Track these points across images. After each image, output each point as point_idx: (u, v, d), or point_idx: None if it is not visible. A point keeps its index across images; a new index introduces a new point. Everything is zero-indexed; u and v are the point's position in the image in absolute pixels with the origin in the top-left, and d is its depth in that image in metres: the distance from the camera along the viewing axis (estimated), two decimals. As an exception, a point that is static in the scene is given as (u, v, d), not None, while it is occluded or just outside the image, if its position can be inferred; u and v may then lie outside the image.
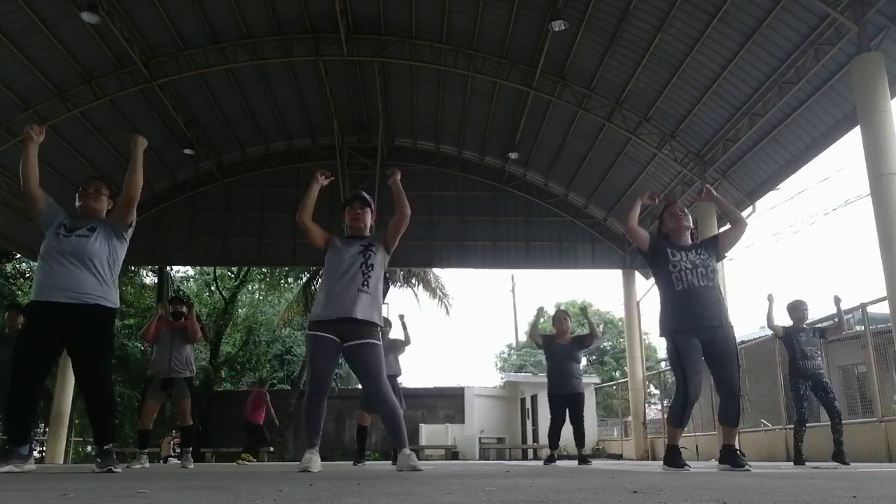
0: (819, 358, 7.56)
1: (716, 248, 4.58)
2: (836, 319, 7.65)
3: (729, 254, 4.79)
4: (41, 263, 4.13)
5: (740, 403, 4.49)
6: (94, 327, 4.09)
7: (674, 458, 4.42)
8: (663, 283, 4.47)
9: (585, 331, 9.01)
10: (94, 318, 4.08)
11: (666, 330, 4.46)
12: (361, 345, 4.08)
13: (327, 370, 4.21)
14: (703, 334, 4.32)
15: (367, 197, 4.55)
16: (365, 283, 4.15)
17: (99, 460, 4.12)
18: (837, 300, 7.54)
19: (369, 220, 4.48)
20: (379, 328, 4.20)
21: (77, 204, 4.32)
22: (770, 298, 7.68)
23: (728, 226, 4.65)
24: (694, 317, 4.31)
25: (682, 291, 4.33)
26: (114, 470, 4.00)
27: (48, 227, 4.19)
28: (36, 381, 4.13)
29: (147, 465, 7.08)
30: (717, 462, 4.52)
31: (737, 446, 4.47)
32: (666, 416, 4.50)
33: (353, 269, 4.19)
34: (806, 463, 7.14)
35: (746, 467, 4.20)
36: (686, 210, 4.68)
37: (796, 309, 7.72)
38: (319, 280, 4.52)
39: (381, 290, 4.31)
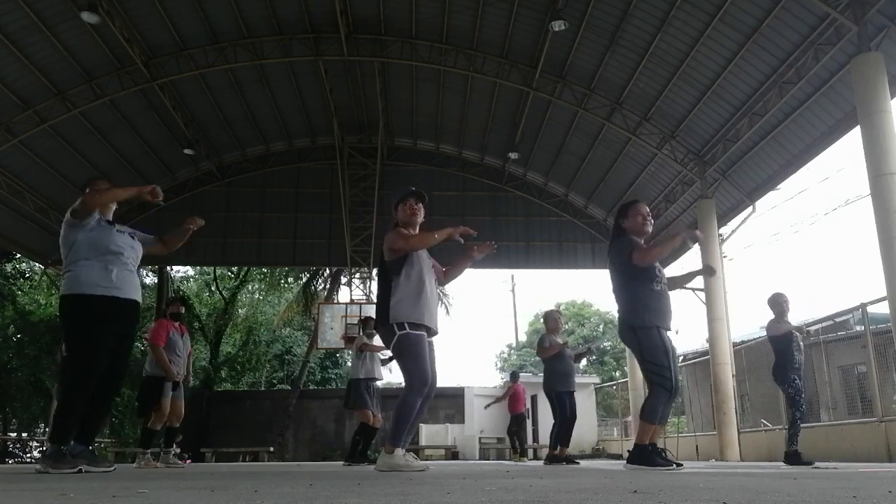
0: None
1: None
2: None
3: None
4: (102, 256, 3.94)
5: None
6: (136, 324, 4.23)
7: (644, 455, 4.33)
8: (642, 278, 4.51)
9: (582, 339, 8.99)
10: (139, 315, 4.23)
11: (652, 324, 4.48)
12: (432, 343, 4.43)
13: (432, 367, 4.38)
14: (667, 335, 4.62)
15: (423, 193, 4.54)
16: (439, 297, 4.35)
17: (85, 459, 4.00)
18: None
19: (422, 216, 4.47)
20: None
21: None
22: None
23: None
24: (670, 318, 4.57)
25: (661, 292, 4.54)
26: (90, 470, 3.90)
27: (88, 224, 4.04)
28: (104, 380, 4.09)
29: (176, 457, 7.33)
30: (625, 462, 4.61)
31: (661, 446, 4.60)
32: (642, 412, 4.40)
33: (431, 281, 4.38)
34: (814, 463, 6.74)
35: (676, 467, 4.41)
36: (650, 217, 4.74)
37: (777, 303, 7.15)
38: (402, 275, 4.29)
39: None
